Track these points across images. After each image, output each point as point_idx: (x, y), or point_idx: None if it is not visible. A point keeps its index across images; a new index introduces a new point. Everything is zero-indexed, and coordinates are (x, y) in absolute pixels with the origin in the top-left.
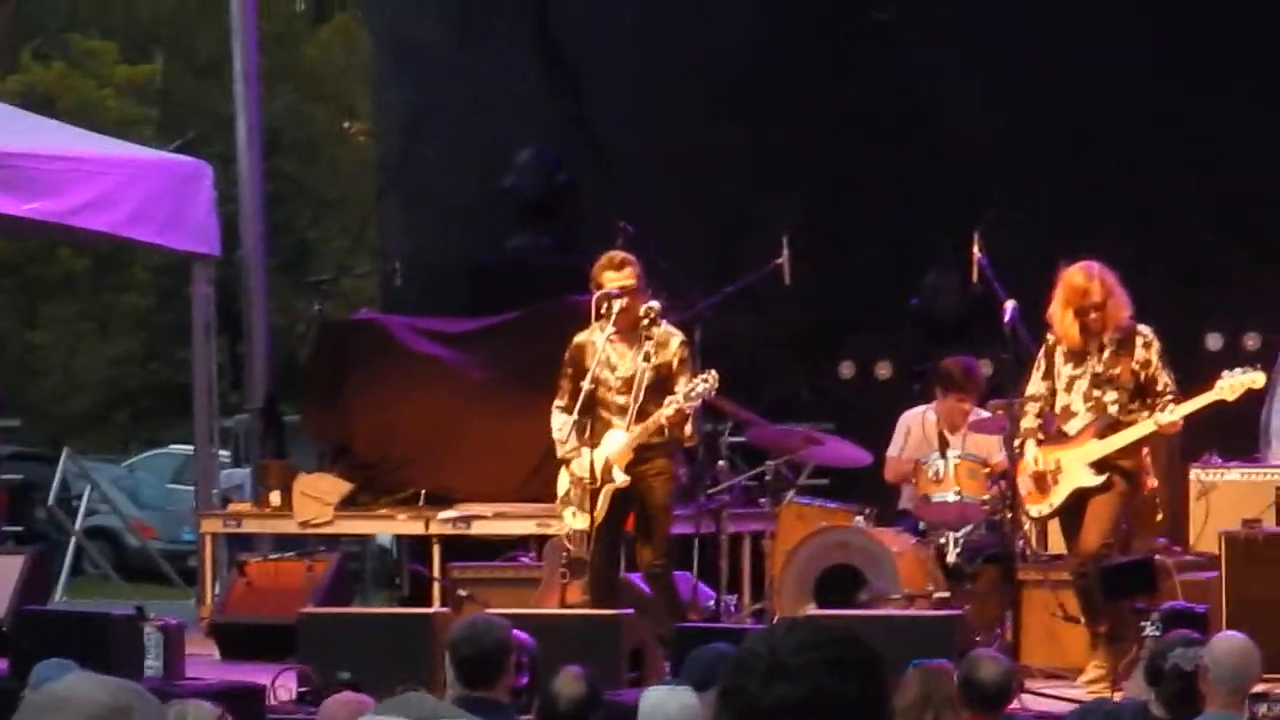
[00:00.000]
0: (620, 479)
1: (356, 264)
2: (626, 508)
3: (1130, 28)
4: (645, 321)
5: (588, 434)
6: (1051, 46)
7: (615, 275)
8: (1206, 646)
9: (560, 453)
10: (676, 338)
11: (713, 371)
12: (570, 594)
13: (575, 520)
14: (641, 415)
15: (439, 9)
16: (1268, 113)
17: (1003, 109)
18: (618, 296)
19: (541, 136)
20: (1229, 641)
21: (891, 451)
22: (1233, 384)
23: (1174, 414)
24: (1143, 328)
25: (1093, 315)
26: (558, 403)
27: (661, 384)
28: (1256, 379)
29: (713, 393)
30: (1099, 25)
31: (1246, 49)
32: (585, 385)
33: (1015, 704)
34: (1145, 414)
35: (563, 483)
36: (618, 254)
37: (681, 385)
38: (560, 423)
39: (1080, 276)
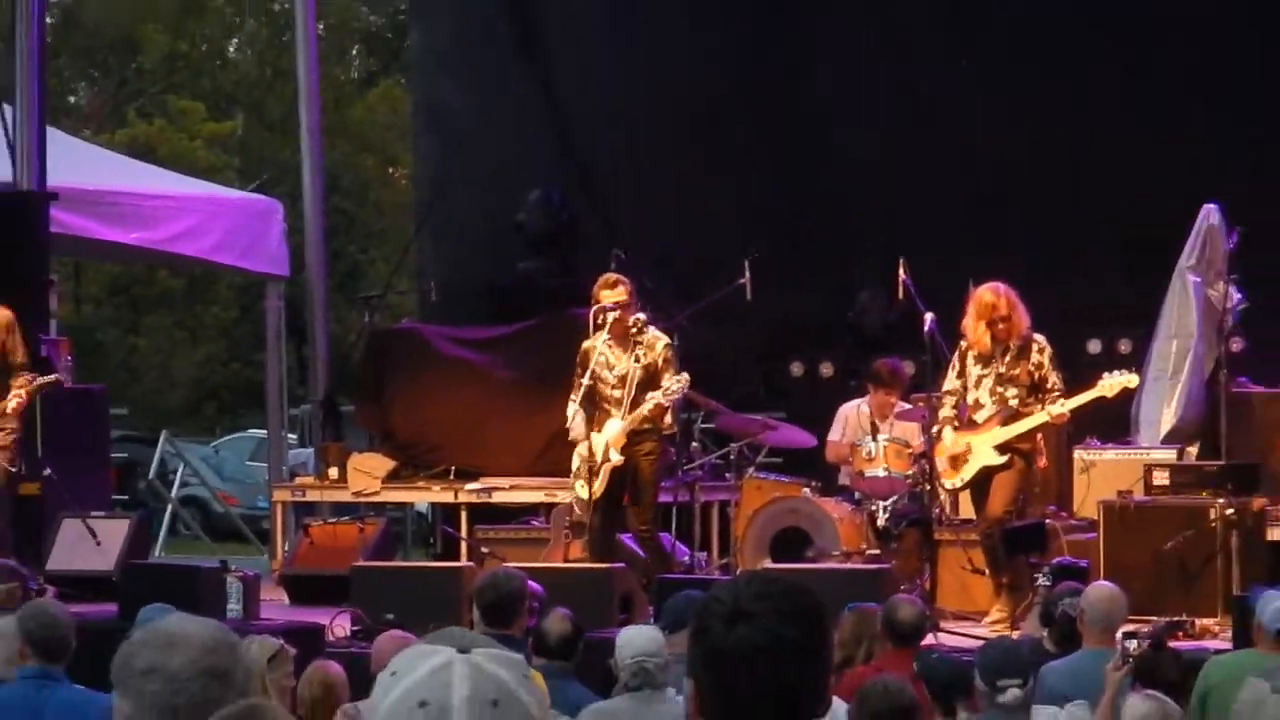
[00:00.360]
0: (616, 458)
1: (398, 283)
2: (623, 482)
3: (1039, 60)
4: (634, 330)
5: (592, 423)
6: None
7: (610, 293)
8: (1083, 594)
9: (571, 437)
10: (661, 340)
11: (684, 374)
12: (572, 551)
13: (582, 491)
14: (634, 407)
15: (465, 78)
16: (1145, 142)
17: (921, 163)
18: (612, 309)
19: (547, 180)
20: (1101, 590)
21: (832, 436)
22: (1112, 384)
23: (1063, 407)
24: (1038, 336)
25: (1000, 326)
26: (572, 397)
27: (650, 380)
28: (1131, 380)
29: (684, 391)
30: (1013, 64)
31: (1117, 70)
32: (584, 382)
33: (932, 639)
34: (1039, 407)
35: (575, 460)
36: (612, 275)
37: (666, 380)
38: (571, 412)
39: (990, 294)
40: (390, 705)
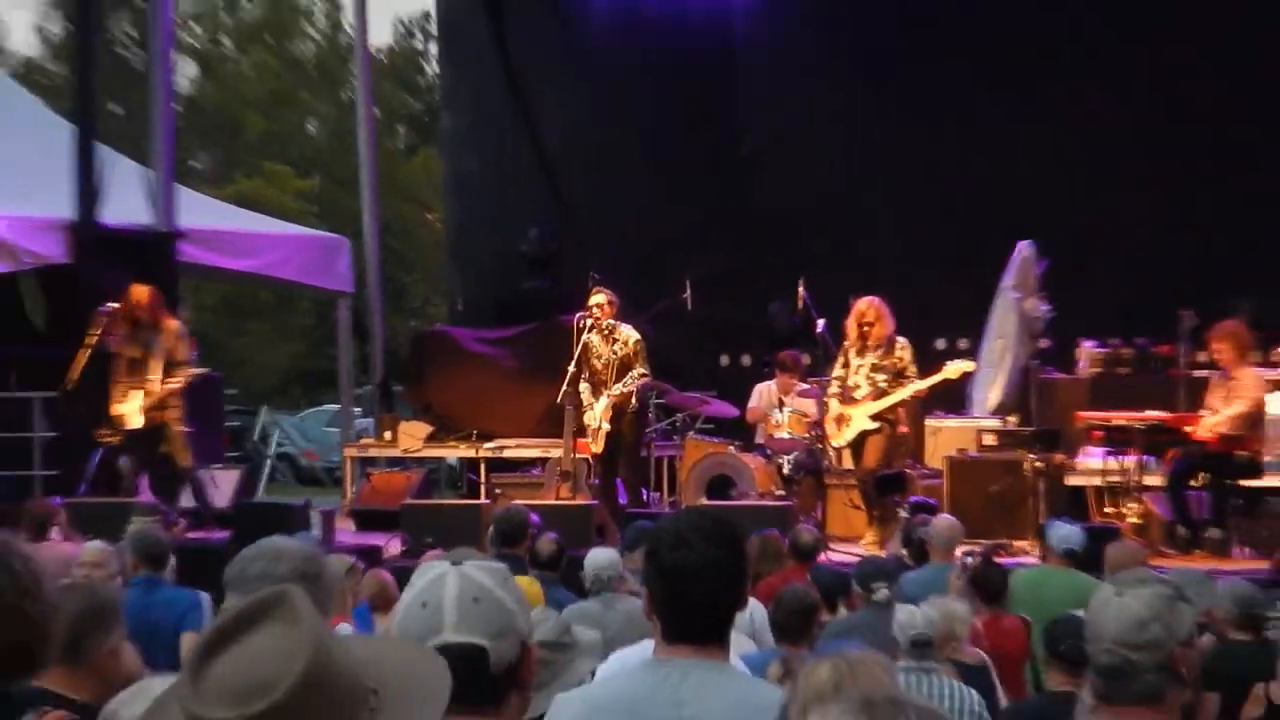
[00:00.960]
0: (606, 426)
1: (434, 299)
2: (613, 441)
3: (916, 110)
4: (609, 329)
5: (591, 395)
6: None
7: (595, 298)
8: (931, 523)
9: (586, 407)
10: (634, 336)
11: (639, 369)
12: (561, 494)
13: (594, 446)
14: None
15: (480, 148)
16: (982, 188)
17: (820, 203)
18: (595, 312)
19: (540, 219)
20: (944, 520)
21: (750, 404)
22: (955, 368)
23: (919, 386)
24: (900, 338)
25: (866, 328)
26: (583, 379)
27: (625, 366)
28: (969, 365)
29: (640, 382)
30: (897, 114)
31: (966, 122)
32: (570, 369)
33: (824, 557)
34: (900, 387)
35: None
36: (600, 288)
37: (635, 368)
38: (582, 389)
39: (862, 305)
40: (403, 608)
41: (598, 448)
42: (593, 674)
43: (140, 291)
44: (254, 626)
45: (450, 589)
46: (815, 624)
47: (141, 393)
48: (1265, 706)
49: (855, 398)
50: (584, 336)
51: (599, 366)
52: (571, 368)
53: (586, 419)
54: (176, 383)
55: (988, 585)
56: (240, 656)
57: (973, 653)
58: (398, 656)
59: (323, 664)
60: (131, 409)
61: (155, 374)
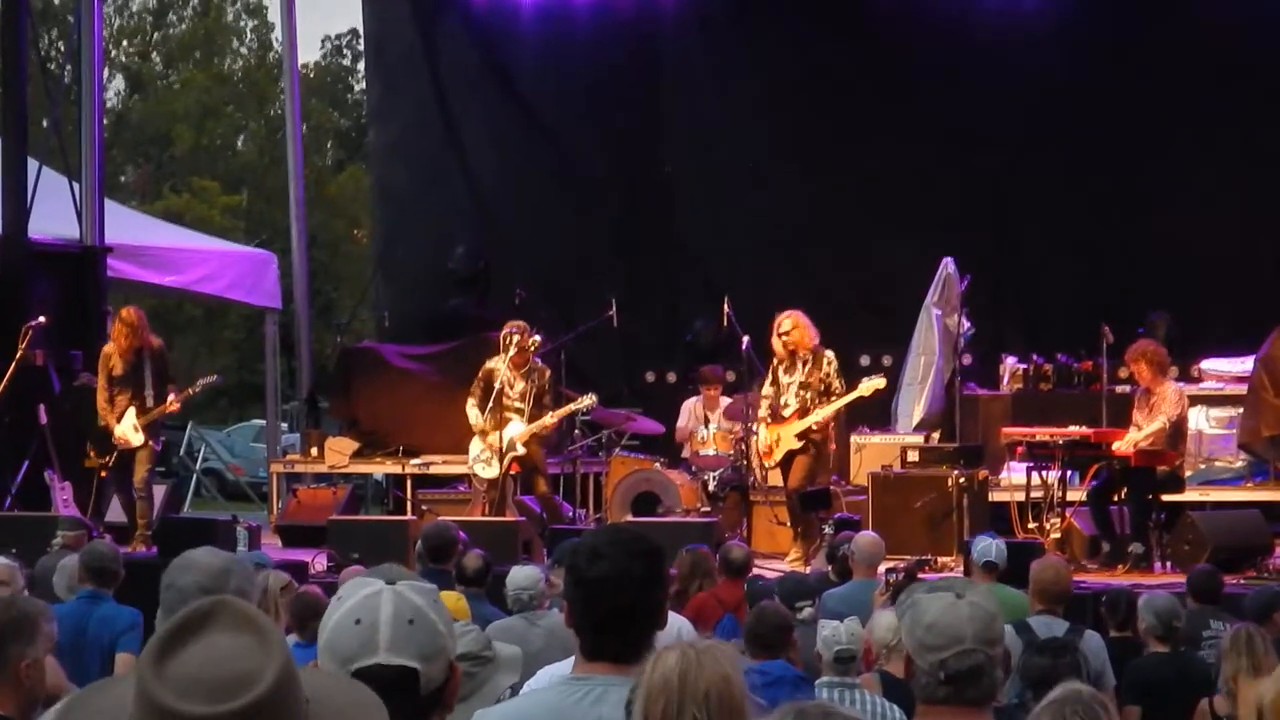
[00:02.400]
0: (520, 450)
1: (361, 314)
2: (517, 464)
3: (835, 139)
4: (527, 364)
5: (494, 420)
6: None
7: (519, 339)
8: (854, 540)
9: (476, 429)
10: (547, 371)
11: (592, 395)
12: (484, 511)
13: (485, 471)
14: (531, 417)
15: (408, 164)
16: (908, 210)
17: (744, 223)
18: (518, 344)
19: (468, 237)
20: (867, 537)
21: (679, 423)
22: (868, 385)
23: (837, 404)
24: (827, 352)
25: (783, 337)
26: (470, 400)
27: (540, 396)
28: (879, 383)
29: (594, 406)
30: (817, 147)
31: (890, 151)
32: (494, 387)
33: (752, 573)
34: (826, 404)
35: (474, 448)
36: (521, 323)
37: (583, 400)
38: (473, 415)
39: (781, 317)
40: (334, 622)
41: (501, 467)
42: (513, 688)
43: (129, 313)
44: (206, 628)
45: (385, 608)
46: (791, 639)
47: (134, 410)
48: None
49: (784, 416)
50: (497, 364)
51: (513, 397)
52: (494, 387)
53: (490, 440)
54: (173, 404)
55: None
56: (205, 653)
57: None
58: (330, 687)
59: (292, 666)
60: (129, 428)
61: (148, 391)
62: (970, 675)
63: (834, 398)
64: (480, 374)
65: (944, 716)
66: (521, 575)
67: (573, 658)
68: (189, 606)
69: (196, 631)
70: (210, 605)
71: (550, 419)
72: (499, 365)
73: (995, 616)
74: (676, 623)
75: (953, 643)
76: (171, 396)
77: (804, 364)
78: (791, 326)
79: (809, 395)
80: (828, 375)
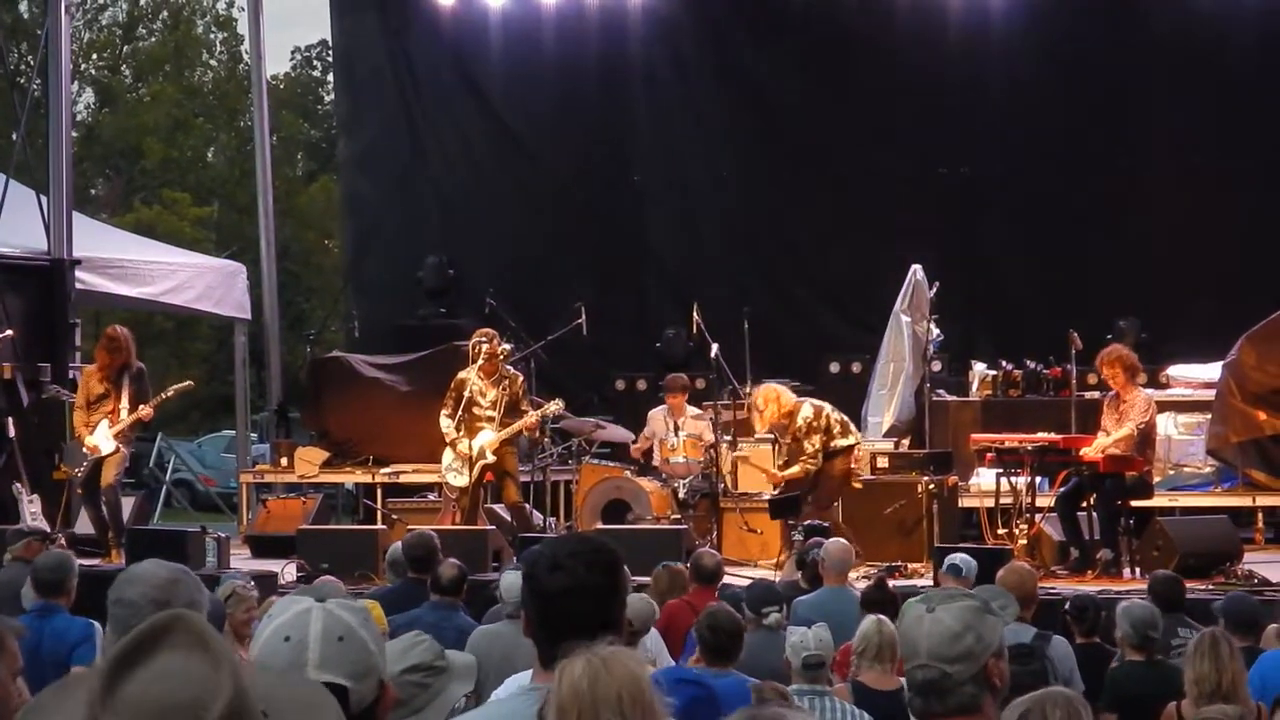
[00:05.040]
0: (490, 458)
1: (331, 324)
2: (490, 472)
3: (796, 154)
4: (497, 372)
5: (465, 430)
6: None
7: (486, 347)
8: (824, 547)
9: (448, 439)
10: (519, 378)
11: (559, 400)
12: (455, 520)
13: (456, 480)
14: (503, 424)
15: (378, 176)
16: (874, 218)
17: (711, 235)
18: (487, 354)
19: (438, 248)
20: (837, 544)
21: (644, 433)
22: (551, 407)
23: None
24: (805, 410)
25: (760, 414)
26: (444, 411)
27: (513, 404)
28: (555, 407)
29: (561, 410)
30: (776, 155)
31: (853, 160)
32: (465, 396)
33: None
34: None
35: (446, 457)
36: (489, 330)
37: (549, 406)
38: (446, 424)
39: (754, 397)
40: (265, 638)
41: (473, 475)
42: (466, 698)
43: (116, 331)
44: (157, 648)
45: (315, 625)
46: (741, 645)
47: (105, 422)
48: None
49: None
50: (468, 374)
51: (484, 405)
52: (464, 397)
53: (461, 449)
54: (146, 410)
55: (879, 607)
56: (155, 677)
57: (889, 678)
58: (283, 689)
59: (244, 688)
60: (101, 439)
61: (120, 405)
62: (929, 689)
63: (808, 457)
64: (452, 384)
65: None
66: (519, 581)
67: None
68: (143, 624)
69: (149, 651)
70: (161, 625)
71: (520, 423)
72: (470, 375)
73: (959, 633)
74: (655, 637)
75: (911, 656)
76: (144, 408)
77: (784, 429)
78: (764, 405)
79: (797, 450)
80: (801, 429)
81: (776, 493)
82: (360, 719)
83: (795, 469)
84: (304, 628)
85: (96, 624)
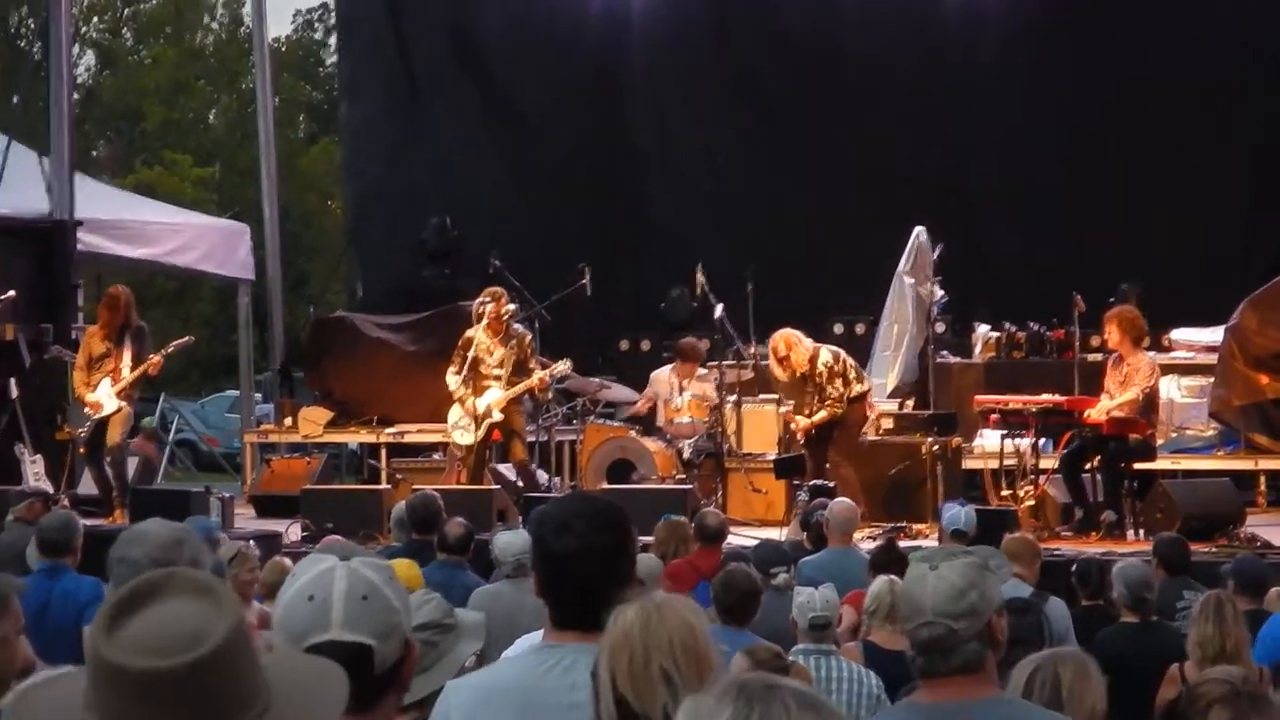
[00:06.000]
0: (498, 416)
1: (334, 285)
2: (497, 430)
3: (795, 120)
4: (505, 329)
5: (472, 389)
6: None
7: (491, 308)
8: (828, 507)
9: (455, 397)
10: (527, 335)
11: (567, 360)
12: (460, 479)
13: (463, 437)
14: (510, 383)
15: (379, 138)
16: (875, 177)
17: (712, 197)
18: (491, 312)
19: (441, 210)
20: (841, 504)
21: (645, 393)
22: (559, 368)
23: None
24: (825, 354)
25: (782, 362)
26: (452, 369)
27: (521, 363)
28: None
29: (569, 371)
30: (775, 122)
31: (854, 123)
32: (469, 355)
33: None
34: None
35: (453, 414)
36: (497, 289)
37: (558, 365)
38: (453, 381)
39: (772, 341)
40: (288, 599)
41: (479, 435)
42: (477, 655)
43: (118, 290)
44: (158, 595)
45: (339, 585)
46: (757, 605)
47: (107, 380)
48: (1181, 686)
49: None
50: (474, 332)
51: (491, 364)
52: (470, 355)
53: (468, 406)
54: (152, 364)
55: (888, 567)
56: (157, 617)
57: (900, 638)
58: (288, 661)
59: (244, 628)
60: (103, 396)
61: (121, 364)
62: (932, 647)
63: (830, 398)
64: (460, 342)
65: (945, 687)
66: (520, 540)
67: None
68: (140, 577)
69: (148, 598)
70: (163, 575)
71: (528, 383)
72: (477, 333)
73: (964, 590)
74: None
75: (914, 614)
76: (154, 357)
77: (805, 379)
78: (787, 350)
79: (817, 398)
80: (820, 376)
81: (782, 452)
82: (385, 678)
83: (823, 414)
84: (328, 587)
85: (105, 584)
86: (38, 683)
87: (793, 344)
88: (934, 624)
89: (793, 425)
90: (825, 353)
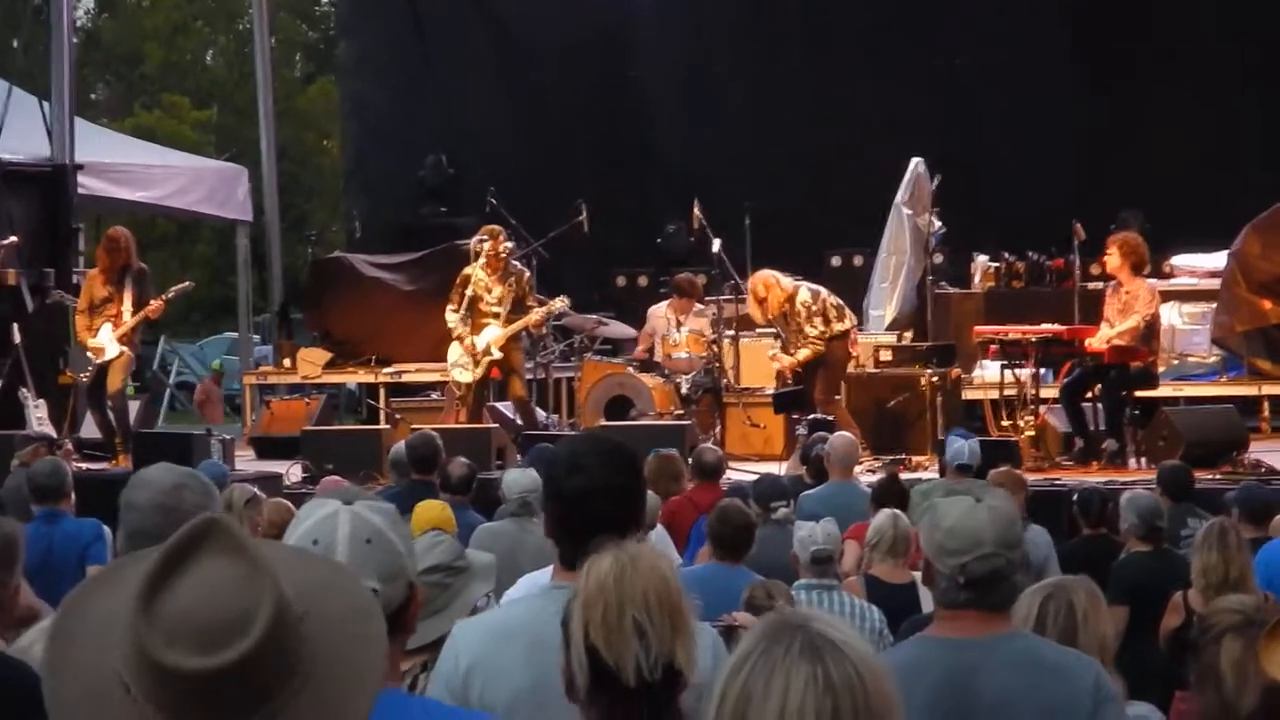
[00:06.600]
0: (497, 354)
1: (332, 224)
2: (496, 368)
3: (784, 39)
4: (504, 266)
5: (470, 327)
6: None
7: (489, 245)
8: (829, 441)
9: (454, 335)
10: (526, 273)
11: (564, 297)
12: (459, 417)
13: (462, 375)
14: (508, 320)
15: (377, 75)
16: (870, 114)
17: (713, 130)
18: (490, 251)
19: (439, 147)
20: (841, 438)
21: (644, 329)
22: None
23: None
24: (804, 294)
25: (760, 304)
26: (450, 307)
27: (519, 300)
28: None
29: (567, 308)
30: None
31: (853, 65)
32: (468, 293)
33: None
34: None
35: (452, 352)
36: (495, 227)
37: (554, 303)
38: (452, 319)
39: (751, 282)
40: (292, 543)
41: (478, 373)
42: (488, 596)
43: (117, 232)
44: (194, 556)
45: (343, 529)
46: (752, 540)
47: (109, 325)
48: (1185, 615)
49: (793, 355)
50: (473, 270)
51: (490, 302)
52: (468, 293)
53: (467, 344)
54: (153, 309)
55: (890, 500)
56: (194, 588)
57: (902, 571)
58: (321, 586)
59: (284, 596)
60: (105, 340)
61: (122, 308)
62: (990, 579)
63: (808, 337)
64: (458, 280)
65: (964, 620)
66: (525, 479)
67: (551, 566)
68: (179, 531)
69: (185, 560)
70: (200, 528)
71: (526, 320)
72: (475, 271)
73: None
74: (659, 531)
75: (973, 546)
76: (155, 302)
77: (785, 318)
78: (764, 292)
79: (798, 337)
80: (798, 315)
81: (780, 387)
82: (390, 621)
83: (806, 352)
84: (331, 531)
85: (104, 524)
86: (76, 600)
87: (770, 285)
88: (994, 555)
89: (777, 364)
90: (804, 291)
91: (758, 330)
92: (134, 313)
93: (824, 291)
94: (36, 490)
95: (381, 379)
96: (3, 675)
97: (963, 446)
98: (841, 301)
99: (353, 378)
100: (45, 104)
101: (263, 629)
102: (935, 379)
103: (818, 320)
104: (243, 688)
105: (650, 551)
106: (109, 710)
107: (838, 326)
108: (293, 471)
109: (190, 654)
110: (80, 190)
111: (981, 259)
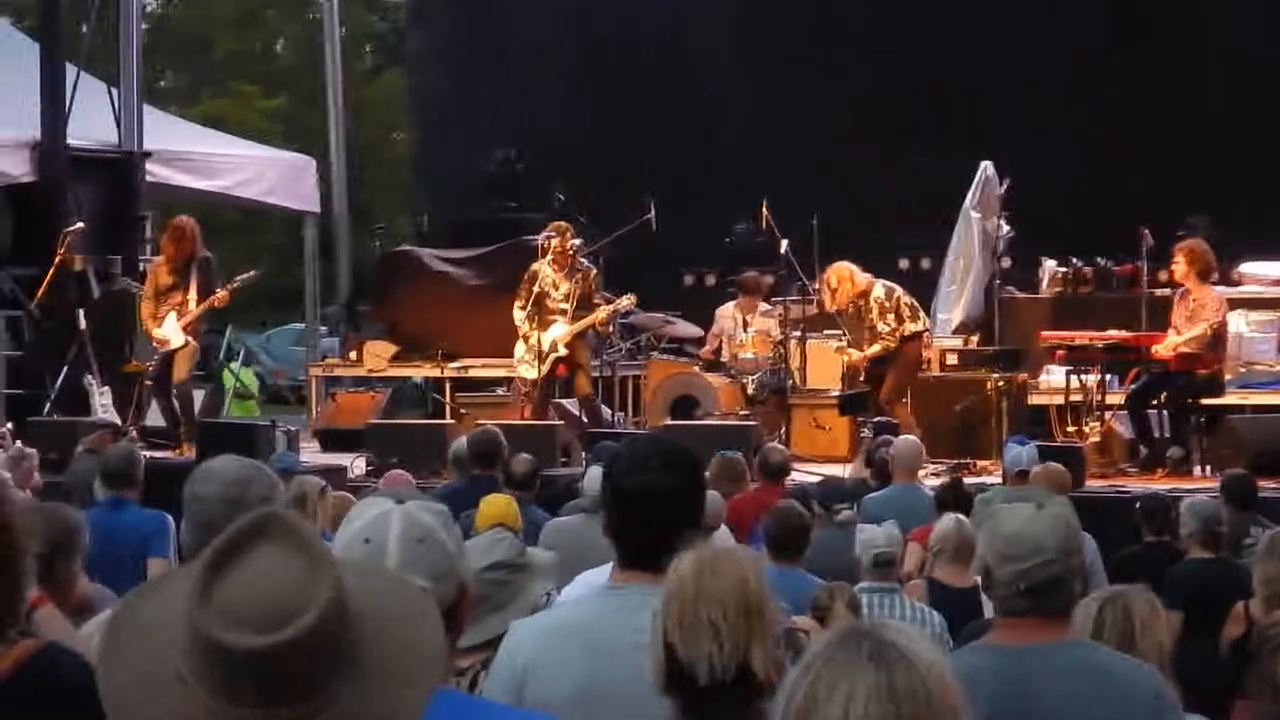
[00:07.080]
0: (563, 350)
1: (399, 218)
2: (563, 365)
3: (850, 40)
4: (572, 263)
5: (537, 323)
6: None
7: (556, 241)
8: (893, 444)
9: (520, 332)
10: (593, 270)
11: (632, 294)
12: (525, 414)
13: (528, 371)
14: (575, 317)
15: (447, 68)
16: (948, 119)
17: (781, 132)
18: (558, 247)
19: (507, 143)
20: (906, 441)
21: (712, 330)
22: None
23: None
24: (877, 291)
25: (831, 294)
26: (517, 303)
27: (586, 297)
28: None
29: (633, 307)
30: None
31: (923, 52)
32: (535, 290)
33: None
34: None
35: (519, 350)
36: (563, 223)
37: (622, 300)
38: (518, 316)
39: (826, 272)
40: (344, 542)
41: (544, 369)
42: (548, 595)
43: (183, 221)
44: (253, 546)
45: (395, 527)
46: (808, 542)
47: (174, 314)
48: (1246, 624)
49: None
50: (540, 266)
51: (557, 298)
52: (535, 289)
53: (533, 341)
54: (220, 298)
55: (953, 504)
56: (252, 579)
57: (965, 576)
58: (377, 592)
59: (342, 591)
60: (170, 330)
61: (187, 296)
62: (1051, 586)
63: (881, 334)
64: (526, 276)
65: (1023, 628)
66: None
67: (609, 565)
68: (239, 521)
69: (245, 550)
70: (258, 521)
71: (593, 317)
72: (543, 267)
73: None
74: (723, 531)
75: (1034, 553)
76: (220, 292)
77: (857, 312)
78: (837, 283)
79: (869, 333)
80: (871, 311)
81: (847, 388)
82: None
83: (876, 348)
84: (383, 530)
85: (169, 516)
86: (135, 598)
87: (844, 277)
88: (1055, 562)
89: (845, 359)
90: (879, 288)
91: (825, 332)
92: (199, 302)
93: (899, 290)
94: (108, 476)
95: (447, 373)
96: (58, 665)
97: (1020, 453)
98: (916, 303)
99: (418, 371)
100: (114, 90)
101: (319, 613)
102: (1001, 384)
103: (890, 317)
104: (295, 671)
105: (736, 553)
106: (161, 697)
107: (910, 326)
108: (356, 464)
109: (245, 633)
110: (148, 178)
111: (1049, 264)
